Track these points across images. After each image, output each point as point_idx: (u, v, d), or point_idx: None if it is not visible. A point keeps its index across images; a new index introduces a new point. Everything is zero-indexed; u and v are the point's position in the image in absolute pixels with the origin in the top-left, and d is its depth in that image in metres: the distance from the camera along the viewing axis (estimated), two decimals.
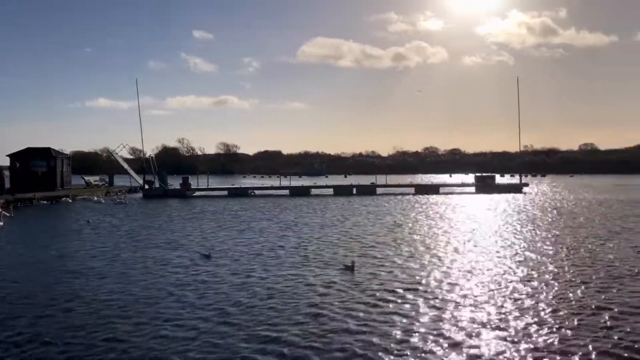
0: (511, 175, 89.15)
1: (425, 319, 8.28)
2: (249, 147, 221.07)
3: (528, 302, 9.18)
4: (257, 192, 49.74)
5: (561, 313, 8.51)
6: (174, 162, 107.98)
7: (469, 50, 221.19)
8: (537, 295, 9.71)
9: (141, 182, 48.70)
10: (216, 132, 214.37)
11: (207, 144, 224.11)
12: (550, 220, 23.24)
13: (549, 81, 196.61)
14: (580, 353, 6.80)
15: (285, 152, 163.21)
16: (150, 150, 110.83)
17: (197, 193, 47.61)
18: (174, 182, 50.49)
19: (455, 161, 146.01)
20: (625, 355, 6.73)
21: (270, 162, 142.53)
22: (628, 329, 7.66)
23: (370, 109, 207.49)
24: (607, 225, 20.86)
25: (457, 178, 79.39)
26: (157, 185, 47.39)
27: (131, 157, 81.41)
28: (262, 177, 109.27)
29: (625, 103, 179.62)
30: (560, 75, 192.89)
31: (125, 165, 52.72)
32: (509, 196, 41.90)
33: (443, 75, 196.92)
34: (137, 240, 17.98)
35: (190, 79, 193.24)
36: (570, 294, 9.68)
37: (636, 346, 6.98)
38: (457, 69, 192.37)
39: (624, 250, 14.55)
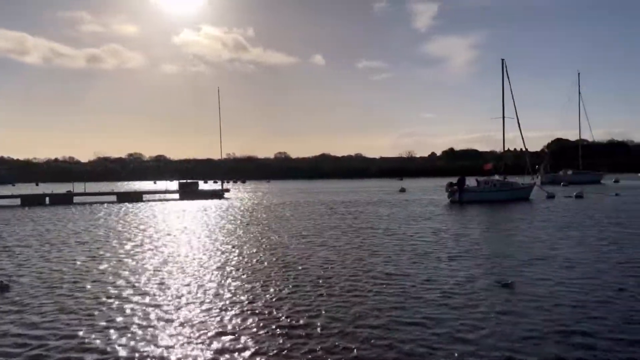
0: (214, 182, 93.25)
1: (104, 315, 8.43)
2: None
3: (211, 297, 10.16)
4: None
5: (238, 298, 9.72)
6: None
7: (167, 58, 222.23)
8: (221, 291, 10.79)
9: None
10: None
11: None
12: (240, 221, 25.46)
13: (245, 93, 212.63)
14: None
15: None
16: None
17: None
18: None
19: (160, 167, 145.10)
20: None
21: None
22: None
23: (64, 110, 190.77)
24: (286, 224, 24.01)
25: (162, 185, 79.24)
26: None
27: None
28: None
29: (310, 116, 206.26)
30: (255, 89, 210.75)
31: None
32: (211, 202, 44.02)
33: (144, 81, 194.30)
34: None
35: None
36: (248, 284, 11.07)
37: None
38: (157, 76, 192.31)
39: (298, 244, 17.11)
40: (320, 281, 11.48)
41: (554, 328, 7.93)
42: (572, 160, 73.52)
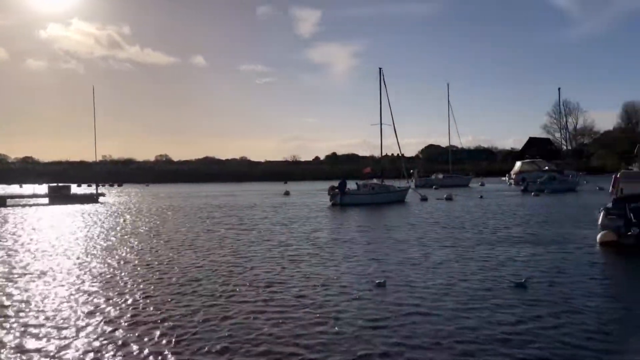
0: (88, 185, 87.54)
1: None
2: None
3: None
4: None
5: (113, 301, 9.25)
6: None
7: (33, 53, 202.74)
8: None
9: None
10: None
11: None
12: (108, 227, 24.25)
13: (122, 93, 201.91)
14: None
15: None
16: None
17: None
18: None
19: (28, 170, 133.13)
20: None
21: None
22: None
23: None
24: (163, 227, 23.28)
25: (29, 188, 72.78)
26: None
27: None
28: None
29: (192, 118, 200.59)
30: (132, 88, 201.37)
31: None
32: (84, 206, 41.35)
33: (7, 77, 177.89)
34: None
35: None
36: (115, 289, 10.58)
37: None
38: (21, 72, 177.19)
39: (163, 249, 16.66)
40: (180, 289, 11.26)
41: (427, 327, 8.46)
42: (444, 165, 78.89)
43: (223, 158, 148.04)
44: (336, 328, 8.24)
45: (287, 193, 56.61)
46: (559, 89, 72.96)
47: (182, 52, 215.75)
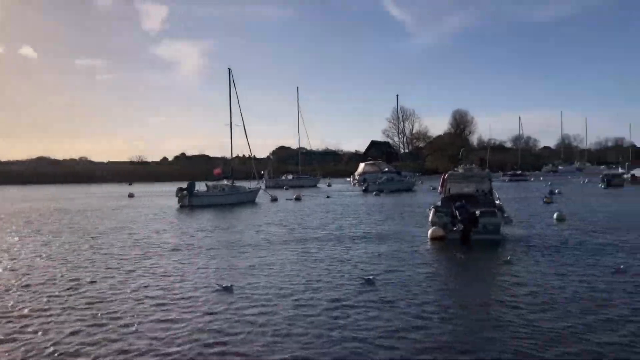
0: None
1: None
2: None
3: None
4: None
5: None
6: None
7: None
8: None
9: None
10: None
11: None
12: None
13: None
14: None
15: None
16: None
17: None
18: None
19: None
20: None
21: None
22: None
23: None
24: None
25: None
26: None
27: None
28: None
29: (22, 114, 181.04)
30: None
31: None
32: None
33: None
34: None
35: None
36: None
37: None
38: None
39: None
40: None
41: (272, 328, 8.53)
42: (294, 166, 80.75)
43: (60, 158, 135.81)
44: (194, 336, 7.98)
45: (131, 195, 53.64)
46: (397, 96, 79.06)
47: (6, 41, 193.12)
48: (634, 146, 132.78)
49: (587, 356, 6.95)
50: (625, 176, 60.25)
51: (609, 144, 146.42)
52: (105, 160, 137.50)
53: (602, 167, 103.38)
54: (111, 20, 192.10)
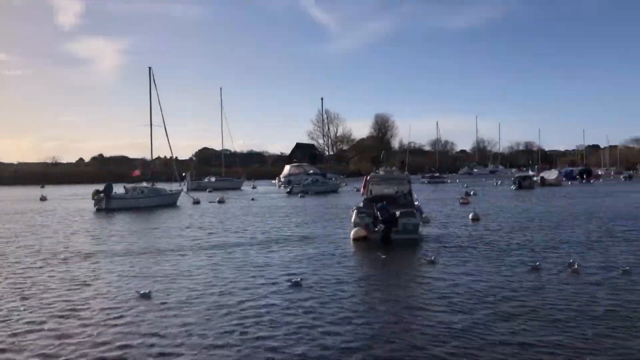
0: None
1: None
2: None
3: None
4: None
5: None
6: None
7: None
8: None
9: None
10: None
11: None
12: None
13: None
14: None
15: None
16: None
17: None
18: None
19: None
20: None
21: None
22: None
23: None
24: None
25: None
26: None
27: None
28: None
29: None
30: None
31: None
32: None
33: None
34: None
35: None
36: None
37: None
38: None
39: None
40: None
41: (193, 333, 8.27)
42: (217, 168, 79.34)
43: None
44: (122, 342, 7.56)
45: (43, 198, 50.53)
46: (321, 98, 79.54)
47: None
48: (542, 150, 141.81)
49: (489, 349, 7.31)
50: (535, 178, 63.86)
51: (520, 147, 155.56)
52: (14, 161, 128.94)
53: (514, 169, 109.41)
54: (20, 12, 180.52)
